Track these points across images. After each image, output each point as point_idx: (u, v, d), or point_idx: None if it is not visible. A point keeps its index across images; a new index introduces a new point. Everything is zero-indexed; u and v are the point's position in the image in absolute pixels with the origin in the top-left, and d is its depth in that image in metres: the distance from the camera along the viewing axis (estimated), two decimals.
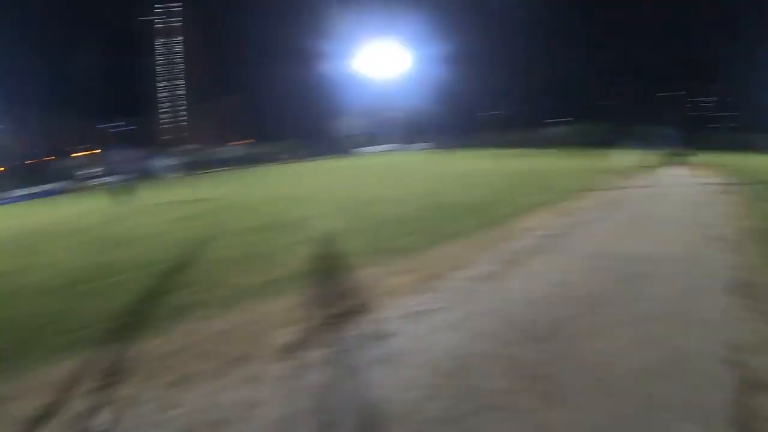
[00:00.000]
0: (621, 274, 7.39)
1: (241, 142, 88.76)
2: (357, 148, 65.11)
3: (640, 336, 5.17)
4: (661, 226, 10.97)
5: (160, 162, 61.64)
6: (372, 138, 74.23)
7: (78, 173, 57.31)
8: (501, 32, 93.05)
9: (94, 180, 51.02)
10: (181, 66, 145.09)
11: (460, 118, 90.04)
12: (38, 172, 60.44)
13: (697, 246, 9.04)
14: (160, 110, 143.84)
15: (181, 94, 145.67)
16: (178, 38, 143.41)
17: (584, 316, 5.72)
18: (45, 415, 4.13)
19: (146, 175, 49.99)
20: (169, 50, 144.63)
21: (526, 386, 4.23)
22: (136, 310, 6.74)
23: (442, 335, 5.31)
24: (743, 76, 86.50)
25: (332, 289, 7.06)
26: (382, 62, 66.77)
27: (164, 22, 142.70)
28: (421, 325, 5.61)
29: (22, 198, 46.71)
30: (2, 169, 64.43)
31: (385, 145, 68.57)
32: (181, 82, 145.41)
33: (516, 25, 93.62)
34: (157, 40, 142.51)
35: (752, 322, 5.46)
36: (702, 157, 33.57)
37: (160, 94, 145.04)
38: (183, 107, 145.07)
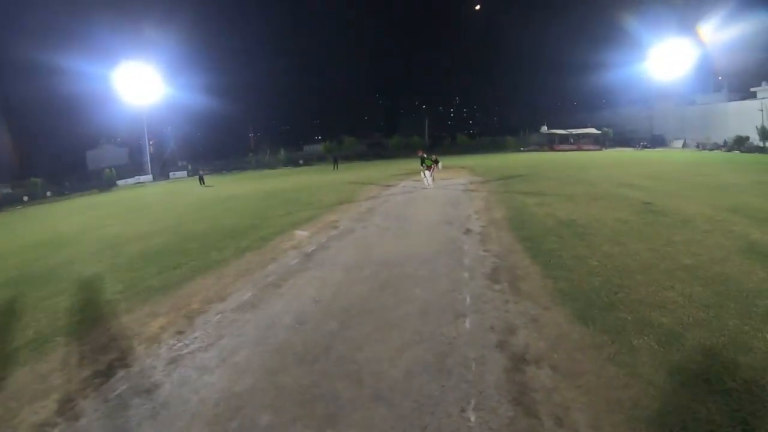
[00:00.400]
0: (385, 278, 7.65)
1: None
2: (114, 180, 58.06)
3: (410, 336, 5.29)
4: (420, 228, 11.79)
5: None
6: (131, 169, 67.32)
7: None
8: (259, 54, 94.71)
9: None
10: None
11: (223, 143, 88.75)
12: None
13: (455, 241, 9.92)
14: None
15: None
16: None
17: (353, 327, 5.69)
18: None
19: None
20: None
21: (302, 412, 3.99)
22: None
23: (209, 377, 4.79)
24: (483, 89, 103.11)
25: (92, 343, 5.98)
26: (138, 88, 60.51)
27: None
28: (186, 369, 5.02)
29: None
30: None
31: (145, 176, 62.89)
32: None
33: (273, 47, 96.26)
34: None
35: (513, 304, 6.05)
36: (456, 161, 38.05)
37: None
38: None
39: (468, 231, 10.85)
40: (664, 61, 57.09)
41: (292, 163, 68.00)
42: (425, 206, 15.54)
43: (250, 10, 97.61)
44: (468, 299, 6.31)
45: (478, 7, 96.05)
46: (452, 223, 11.95)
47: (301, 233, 12.06)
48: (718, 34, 53.45)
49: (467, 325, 5.46)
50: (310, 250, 10.09)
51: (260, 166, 67.43)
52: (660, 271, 6.91)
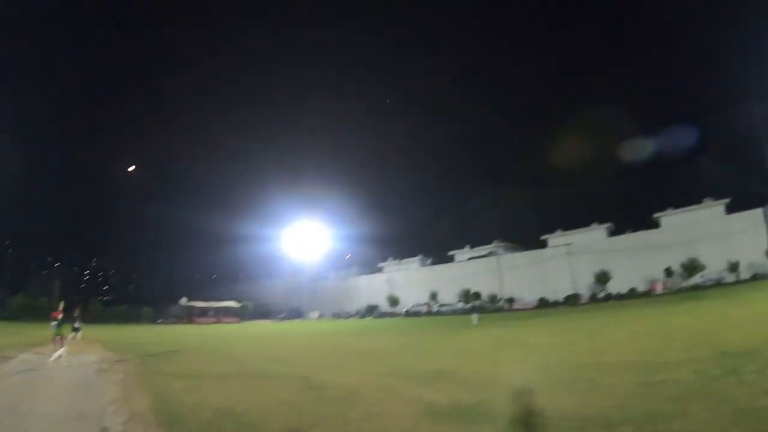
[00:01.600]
0: None
1: None
2: None
3: None
4: (42, 427, 8.96)
5: None
6: None
7: None
8: None
9: None
10: None
11: None
12: None
13: None
14: None
15: None
16: None
17: None
18: None
19: None
20: None
21: None
22: None
23: None
24: (121, 255, 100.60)
25: None
26: None
27: None
28: None
29: None
30: None
31: None
32: None
33: None
34: None
35: None
36: (87, 332, 33.51)
37: None
38: None
39: (105, 431, 8.72)
40: (300, 239, 67.42)
41: None
42: (49, 392, 12.45)
43: None
44: None
45: (131, 168, 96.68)
46: (85, 419, 9.47)
47: None
48: (347, 220, 68.25)
49: None
50: None
51: None
52: None
